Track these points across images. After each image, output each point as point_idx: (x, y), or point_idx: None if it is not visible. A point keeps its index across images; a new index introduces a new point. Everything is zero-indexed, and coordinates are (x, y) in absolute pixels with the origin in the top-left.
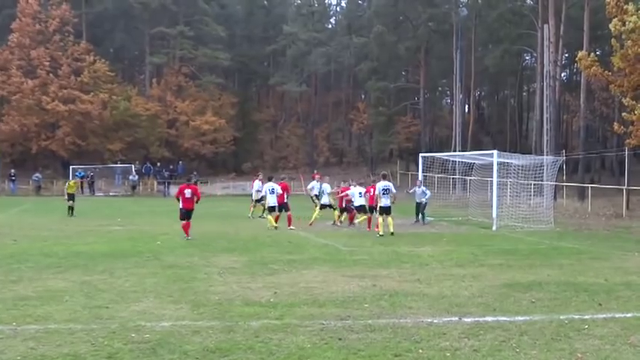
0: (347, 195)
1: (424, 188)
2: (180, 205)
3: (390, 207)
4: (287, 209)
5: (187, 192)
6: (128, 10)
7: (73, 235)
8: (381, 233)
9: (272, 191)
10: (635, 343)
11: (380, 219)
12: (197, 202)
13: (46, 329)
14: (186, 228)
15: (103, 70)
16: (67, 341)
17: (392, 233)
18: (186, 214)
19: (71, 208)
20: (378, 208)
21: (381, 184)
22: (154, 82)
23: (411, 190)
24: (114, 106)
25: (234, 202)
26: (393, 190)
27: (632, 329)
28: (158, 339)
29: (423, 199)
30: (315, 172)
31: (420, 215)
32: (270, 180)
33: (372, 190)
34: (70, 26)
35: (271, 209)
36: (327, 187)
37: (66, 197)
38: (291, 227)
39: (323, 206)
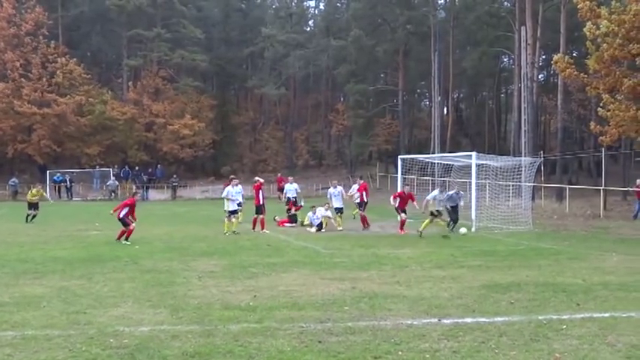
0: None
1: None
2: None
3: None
4: (261, 212)
5: None
6: (105, 13)
7: (50, 240)
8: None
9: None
10: (612, 343)
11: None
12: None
13: (23, 335)
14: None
15: (78, 72)
16: (45, 347)
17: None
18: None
19: (31, 216)
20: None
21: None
22: (131, 86)
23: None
24: (90, 110)
25: (213, 206)
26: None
27: (610, 329)
28: (137, 344)
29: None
30: (279, 175)
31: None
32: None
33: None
34: (45, 29)
35: (231, 213)
36: (334, 192)
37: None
38: (265, 231)
39: (338, 210)
